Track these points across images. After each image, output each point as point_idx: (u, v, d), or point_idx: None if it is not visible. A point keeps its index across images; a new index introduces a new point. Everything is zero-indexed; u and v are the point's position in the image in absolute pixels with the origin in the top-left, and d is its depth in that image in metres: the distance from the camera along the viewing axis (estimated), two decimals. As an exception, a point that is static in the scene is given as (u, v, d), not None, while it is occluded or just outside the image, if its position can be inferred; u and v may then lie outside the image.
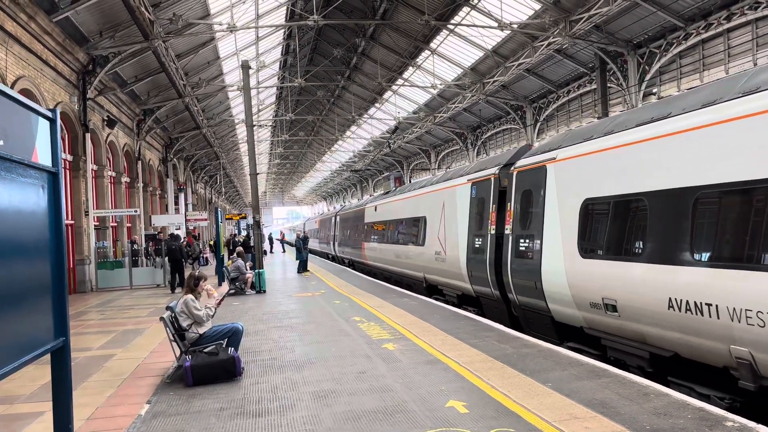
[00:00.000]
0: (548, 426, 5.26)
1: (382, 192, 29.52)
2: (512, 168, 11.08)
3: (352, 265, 29.61)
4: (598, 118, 22.37)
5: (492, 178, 12.14)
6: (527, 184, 10.32)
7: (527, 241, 10.05)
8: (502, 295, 11.45)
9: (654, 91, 23.60)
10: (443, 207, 14.99)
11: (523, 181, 10.53)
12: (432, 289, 16.32)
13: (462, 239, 13.39)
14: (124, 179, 26.88)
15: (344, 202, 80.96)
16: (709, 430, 4.98)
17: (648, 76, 23.54)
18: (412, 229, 17.90)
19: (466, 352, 8.31)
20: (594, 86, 26.57)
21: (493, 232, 11.74)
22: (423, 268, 16.68)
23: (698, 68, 21.76)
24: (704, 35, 20.96)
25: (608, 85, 25.14)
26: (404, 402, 6.15)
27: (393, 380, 7.02)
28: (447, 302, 14.52)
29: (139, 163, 28.75)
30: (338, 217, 35.35)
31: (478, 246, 12.45)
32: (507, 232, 10.84)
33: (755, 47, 19.31)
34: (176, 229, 30.34)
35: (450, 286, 14.69)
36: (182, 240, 23.52)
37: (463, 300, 14.05)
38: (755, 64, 18.99)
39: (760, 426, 5.01)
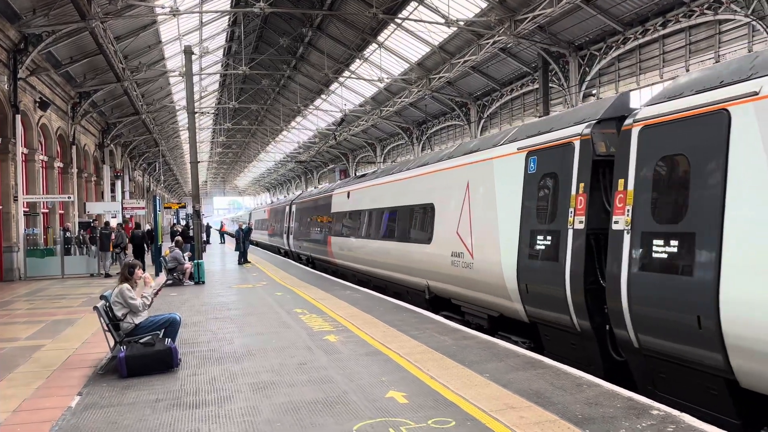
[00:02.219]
0: (485, 416, 5.37)
1: (341, 180, 25.96)
2: (629, 122, 6.88)
3: (313, 263, 25.13)
4: (540, 116, 22.91)
5: (577, 143, 7.92)
6: (673, 146, 6.29)
7: (676, 242, 6.07)
8: (593, 327, 7.48)
9: (593, 92, 24.36)
10: (467, 190, 10.85)
11: (660, 140, 6.43)
12: (438, 303, 12.23)
13: (507, 236, 9.28)
14: (57, 164, 25.81)
15: (288, 194, 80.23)
16: (637, 417, 5.20)
17: (588, 78, 24.28)
18: (409, 222, 13.72)
19: (407, 344, 8.38)
20: (536, 86, 27.20)
21: (580, 225, 7.66)
22: (426, 274, 12.49)
23: (635, 72, 22.58)
24: (641, 40, 21.77)
25: (550, 85, 25.80)
26: (345, 393, 6.16)
27: (334, 371, 7.02)
28: (467, 324, 10.53)
29: (74, 148, 27.65)
30: (294, 206, 30.43)
31: (543, 247, 8.43)
32: (618, 226, 6.82)
33: (688, 54, 20.17)
34: (112, 217, 29.45)
35: (477, 303, 10.47)
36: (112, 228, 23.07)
37: (499, 324, 9.98)
38: (687, 70, 19.84)
39: (683, 414, 5.26)
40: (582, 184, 7.75)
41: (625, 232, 6.70)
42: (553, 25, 23.46)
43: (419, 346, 8.21)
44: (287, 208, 32.74)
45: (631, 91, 7.34)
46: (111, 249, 20.63)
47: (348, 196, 19.68)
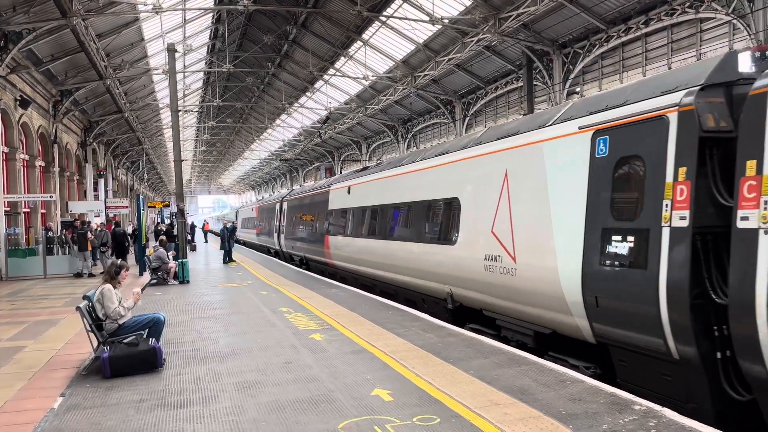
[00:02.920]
0: (470, 412, 5.40)
1: (339, 174, 24.26)
2: (763, 83, 5.27)
3: (307, 264, 23.29)
4: (524, 115, 23.04)
5: (673, 115, 6.12)
6: None
7: None
8: (701, 354, 5.71)
9: (577, 90, 24.51)
10: (506, 180, 9.04)
11: None
12: (465, 314, 10.45)
13: (567, 236, 7.48)
14: (39, 163, 25.54)
15: (273, 192, 79.91)
16: (619, 413, 5.26)
17: (572, 76, 24.40)
18: (426, 219, 12.00)
19: (393, 342, 8.40)
20: (521, 83, 27.31)
21: (681, 222, 5.88)
22: (449, 280, 10.70)
23: (618, 69, 22.74)
24: (624, 38, 21.92)
25: (534, 83, 25.93)
26: (330, 391, 6.17)
27: (319, 370, 7.02)
28: (505, 341, 8.85)
29: (56, 146, 27.37)
30: (285, 204, 28.48)
31: (623, 250, 6.61)
32: (747, 224, 5.21)
33: (670, 52, 20.35)
34: (95, 216, 29.20)
35: (520, 317, 8.70)
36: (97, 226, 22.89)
37: (548, 343, 8.22)
38: (670, 68, 20.02)
39: (665, 409, 5.33)
40: (683, 169, 5.91)
41: (762, 231, 5.03)
42: (537, 23, 23.56)
43: (405, 344, 8.23)
44: (278, 205, 30.72)
45: (738, 51, 5.63)
46: (90, 248, 20.36)
47: (349, 192, 17.79)
